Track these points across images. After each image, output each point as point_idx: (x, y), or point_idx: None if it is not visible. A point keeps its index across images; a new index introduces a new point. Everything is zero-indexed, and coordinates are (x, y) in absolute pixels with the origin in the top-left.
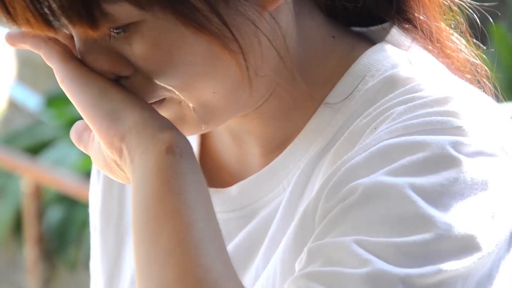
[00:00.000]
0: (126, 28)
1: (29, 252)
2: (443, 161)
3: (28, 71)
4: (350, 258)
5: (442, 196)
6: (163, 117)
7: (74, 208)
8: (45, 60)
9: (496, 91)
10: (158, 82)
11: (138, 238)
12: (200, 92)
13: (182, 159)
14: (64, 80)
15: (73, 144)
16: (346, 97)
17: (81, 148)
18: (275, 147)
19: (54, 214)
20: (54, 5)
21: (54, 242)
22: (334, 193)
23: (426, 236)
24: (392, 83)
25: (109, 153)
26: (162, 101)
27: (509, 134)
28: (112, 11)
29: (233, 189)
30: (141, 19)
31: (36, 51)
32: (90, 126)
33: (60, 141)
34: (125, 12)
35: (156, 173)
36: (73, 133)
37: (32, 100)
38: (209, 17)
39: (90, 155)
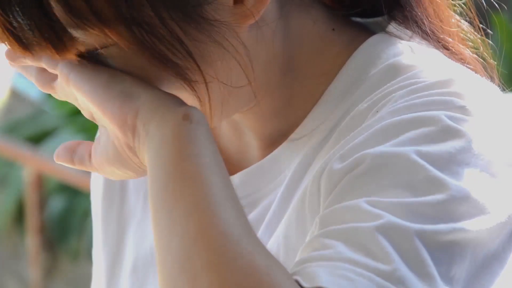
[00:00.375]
0: (96, 51)
1: (31, 241)
2: (448, 132)
3: None
4: (362, 215)
5: (449, 163)
6: (174, 95)
7: (76, 198)
8: (48, 67)
9: (498, 82)
10: None
11: (157, 200)
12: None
13: (199, 126)
14: (70, 74)
15: (75, 133)
16: (348, 87)
17: (76, 165)
18: (274, 140)
19: (56, 204)
20: (25, 30)
21: (56, 231)
22: (338, 170)
23: (438, 196)
24: (394, 70)
25: (121, 137)
26: None
27: (509, 116)
28: (79, 36)
29: (235, 179)
30: (107, 44)
31: (38, 65)
32: (101, 110)
33: (62, 131)
34: (92, 38)
35: (174, 139)
36: (62, 154)
37: (34, 90)
38: (173, 48)
39: (89, 167)
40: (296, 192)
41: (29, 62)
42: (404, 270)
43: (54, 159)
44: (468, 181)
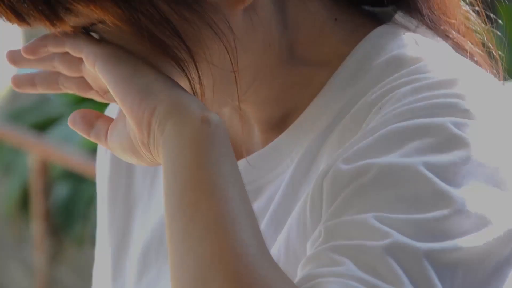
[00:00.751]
0: (91, 28)
1: (36, 228)
2: (453, 142)
3: None
4: (370, 232)
5: (455, 175)
6: (193, 96)
7: (81, 185)
8: (73, 52)
9: (504, 74)
10: None
11: (172, 209)
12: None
13: (218, 130)
14: (96, 61)
15: None
16: (351, 77)
17: (91, 139)
18: (273, 126)
19: (61, 191)
20: (20, 1)
21: (61, 218)
22: (343, 176)
23: (444, 212)
24: (397, 62)
25: (137, 133)
26: None
27: None
28: (74, 9)
29: (239, 165)
30: (96, 21)
31: (62, 50)
32: (121, 103)
33: (67, 118)
34: (86, 11)
35: (192, 143)
36: (79, 122)
37: None
38: (161, 25)
39: (104, 143)
40: (300, 190)
41: (51, 49)
42: None
43: (69, 124)
44: (474, 192)
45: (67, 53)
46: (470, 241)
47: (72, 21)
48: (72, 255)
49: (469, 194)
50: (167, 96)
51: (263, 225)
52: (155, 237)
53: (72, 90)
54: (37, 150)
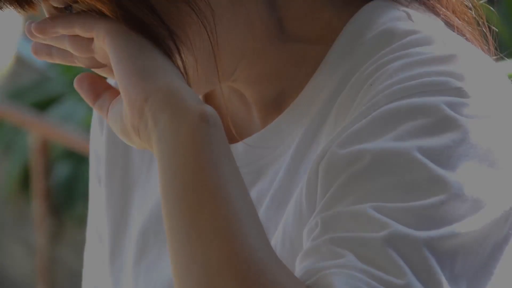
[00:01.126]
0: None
1: (37, 207)
2: (446, 123)
3: None
4: (369, 224)
5: (450, 158)
6: (192, 90)
7: (82, 164)
8: (83, 32)
9: (495, 50)
10: None
11: (172, 214)
12: None
13: (215, 129)
14: (106, 36)
15: (80, 99)
16: (344, 53)
17: (95, 108)
18: (271, 106)
19: (62, 170)
20: None
21: (61, 197)
22: (336, 162)
23: (441, 197)
24: (389, 35)
25: (128, 115)
26: None
27: (507, 94)
28: None
29: (239, 147)
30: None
31: (71, 32)
32: (119, 81)
33: (67, 97)
34: None
35: (191, 142)
36: (88, 88)
37: None
38: (137, 2)
39: (105, 116)
40: (302, 166)
41: (61, 30)
42: (416, 284)
43: (75, 85)
44: (468, 174)
45: (76, 35)
46: (468, 226)
47: (43, 4)
48: (73, 234)
49: (464, 177)
50: (165, 84)
51: (264, 208)
52: (153, 218)
53: (86, 66)
54: (37, 129)
